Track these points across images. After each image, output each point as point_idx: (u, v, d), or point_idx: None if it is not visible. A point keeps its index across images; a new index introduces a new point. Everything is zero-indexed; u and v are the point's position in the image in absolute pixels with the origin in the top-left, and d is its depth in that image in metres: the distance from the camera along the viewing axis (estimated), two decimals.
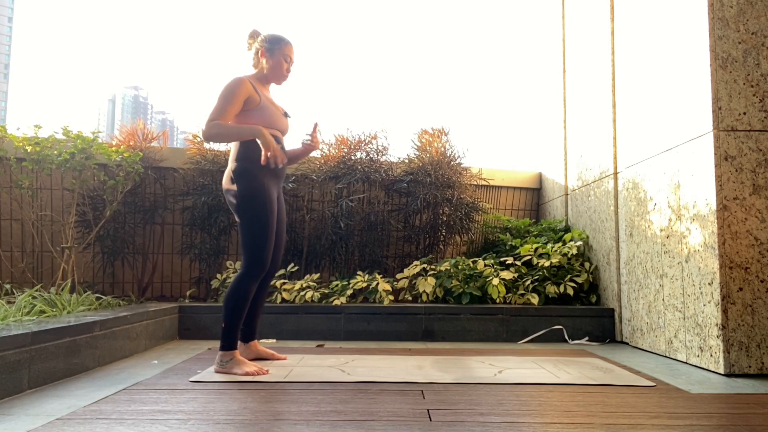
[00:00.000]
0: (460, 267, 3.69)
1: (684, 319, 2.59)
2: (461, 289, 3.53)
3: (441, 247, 4.27)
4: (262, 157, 2.25)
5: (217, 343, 3.08)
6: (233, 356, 2.24)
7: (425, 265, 3.75)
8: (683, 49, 2.63)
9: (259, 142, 2.31)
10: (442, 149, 4.26)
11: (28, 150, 3.22)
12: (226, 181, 2.35)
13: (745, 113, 2.39)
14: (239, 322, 2.27)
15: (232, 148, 2.39)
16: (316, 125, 2.55)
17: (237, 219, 2.31)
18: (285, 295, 3.50)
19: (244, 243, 2.28)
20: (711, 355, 2.37)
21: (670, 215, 2.73)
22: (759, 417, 1.67)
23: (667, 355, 2.75)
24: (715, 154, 2.37)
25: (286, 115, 2.54)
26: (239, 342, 2.50)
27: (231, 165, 2.34)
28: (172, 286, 4.10)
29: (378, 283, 3.55)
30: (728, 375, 2.29)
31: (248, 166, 2.30)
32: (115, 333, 2.53)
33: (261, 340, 3.24)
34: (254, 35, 2.50)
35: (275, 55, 2.44)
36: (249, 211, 2.27)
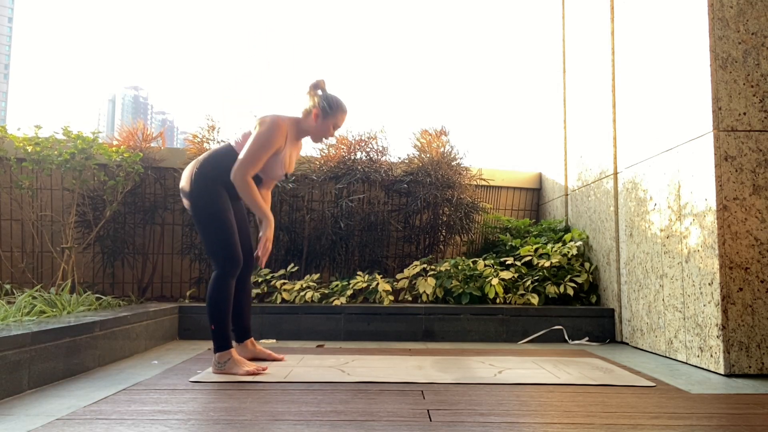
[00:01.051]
0: (460, 267, 3.69)
1: (684, 319, 2.59)
2: (461, 290, 3.53)
3: (441, 247, 4.27)
4: (259, 248, 2.29)
5: None
6: (230, 356, 2.23)
7: (425, 266, 3.75)
8: (683, 50, 2.63)
9: (261, 225, 2.32)
10: (442, 149, 4.26)
11: (29, 150, 3.22)
12: (185, 181, 2.31)
13: (745, 113, 2.39)
14: (226, 322, 2.26)
15: (206, 153, 2.37)
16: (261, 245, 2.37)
17: (195, 222, 2.29)
18: (285, 295, 3.50)
19: (209, 243, 2.26)
20: (711, 356, 2.37)
21: (670, 215, 2.73)
22: (759, 417, 1.67)
23: (667, 355, 2.75)
24: (715, 154, 2.37)
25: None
26: (234, 342, 2.50)
27: (196, 166, 2.31)
28: (172, 287, 4.10)
29: (378, 284, 3.55)
30: (728, 375, 2.29)
31: (211, 175, 2.28)
32: (115, 333, 2.53)
33: (261, 340, 3.24)
34: (317, 88, 2.43)
35: (327, 120, 2.40)
36: (207, 209, 2.25)
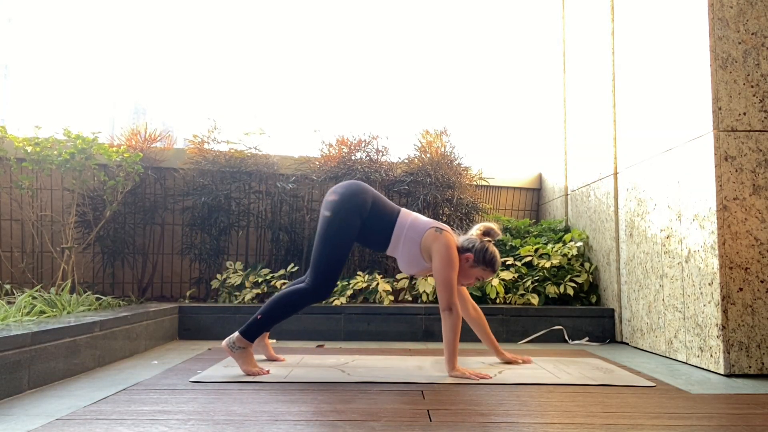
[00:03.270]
0: None
1: (684, 319, 2.59)
2: None
3: None
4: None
5: (217, 344, 3.07)
6: (247, 348, 2.22)
7: None
8: (683, 50, 2.63)
9: (447, 367, 2.24)
10: (443, 150, 4.26)
11: (28, 150, 3.22)
12: (335, 195, 2.31)
13: (745, 113, 2.39)
14: (271, 324, 2.26)
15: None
16: None
17: (322, 233, 2.27)
18: None
19: (321, 256, 2.24)
20: (711, 356, 2.37)
21: (670, 215, 2.73)
22: (759, 417, 1.67)
23: (667, 355, 2.75)
24: (715, 154, 2.37)
25: None
26: None
27: (352, 188, 2.31)
28: (172, 287, 4.10)
29: (378, 284, 3.55)
30: (728, 375, 2.29)
31: (360, 207, 2.29)
32: (115, 333, 2.53)
33: None
34: (488, 234, 2.39)
35: (475, 269, 2.34)
36: (342, 227, 2.25)
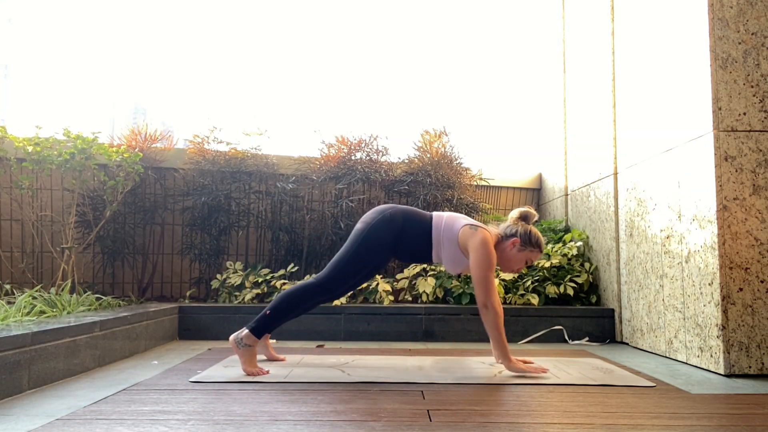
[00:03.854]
0: None
1: (684, 319, 2.59)
2: (461, 290, 3.53)
3: None
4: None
5: (217, 344, 3.08)
6: (252, 346, 2.23)
7: (425, 266, 3.75)
8: (683, 50, 2.63)
9: (504, 363, 2.25)
10: (443, 150, 4.26)
11: (28, 150, 3.23)
12: (375, 213, 2.35)
13: (745, 113, 2.39)
14: (280, 321, 2.28)
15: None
16: None
17: (352, 242, 2.30)
18: None
19: (342, 261, 2.28)
20: (711, 356, 2.37)
21: (670, 216, 2.73)
22: (759, 417, 1.67)
23: (667, 355, 2.75)
24: (715, 154, 2.37)
25: None
26: None
27: (395, 211, 2.34)
28: (172, 287, 4.10)
29: (378, 284, 3.55)
30: (728, 375, 2.29)
31: (399, 227, 2.32)
32: (115, 333, 2.53)
33: None
34: (525, 218, 2.41)
35: (523, 252, 2.36)
36: (370, 245, 2.29)
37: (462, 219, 2.37)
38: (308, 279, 2.59)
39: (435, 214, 2.42)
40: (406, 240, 2.34)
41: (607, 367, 2.46)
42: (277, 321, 2.28)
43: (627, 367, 2.50)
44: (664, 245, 2.78)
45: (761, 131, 2.38)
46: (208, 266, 3.97)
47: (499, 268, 2.42)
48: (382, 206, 2.41)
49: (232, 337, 2.25)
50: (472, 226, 2.31)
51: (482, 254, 2.23)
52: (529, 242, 2.36)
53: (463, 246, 2.31)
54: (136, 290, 3.93)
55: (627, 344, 3.24)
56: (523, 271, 3.49)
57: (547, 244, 3.94)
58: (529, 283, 3.58)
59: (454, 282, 3.58)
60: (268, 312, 2.25)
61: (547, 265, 3.61)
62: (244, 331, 2.23)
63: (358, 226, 2.36)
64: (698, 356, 2.47)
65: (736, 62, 2.40)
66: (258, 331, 2.23)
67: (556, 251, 3.74)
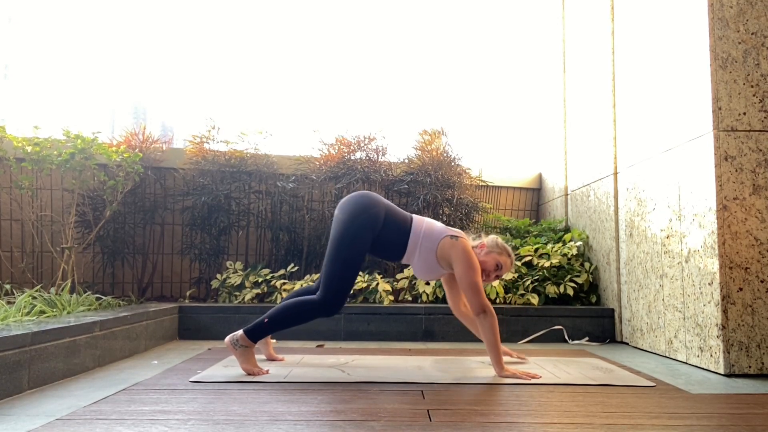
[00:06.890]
0: None
1: (684, 319, 2.59)
2: None
3: None
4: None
5: (217, 344, 3.08)
6: (249, 347, 2.23)
7: None
8: (683, 50, 2.63)
9: (496, 369, 2.24)
10: (442, 149, 4.26)
11: (28, 150, 3.22)
12: (351, 202, 2.31)
13: (745, 113, 2.39)
14: (275, 329, 2.25)
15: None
16: None
17: (335, 242, 2.26)
18: (285, 295, 3.50)
19: (332, 269, 2.23)
20: (711, 356, 2.37)
21: (670, 215, 2.73)
22: (759, 417, 1.67)
23: (667, 355, 2.75)
24: (715, 154, 2.37)
25: None
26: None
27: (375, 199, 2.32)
28: (172, 287, 4.10)
29: (378, 284, 3.55)
30: (728, 375, 2.29)
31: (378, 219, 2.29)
32: (115, 333, 2.53)
33: None
34: (494, 241, 2.44)
35: (490, 256, 2.38)
36: (355, 239, 2.24)
37: (443, 229, 2.36)
38: (308, 287, 2.56)
39: (416, 218, 2.40)
40: (381, 242, 2.32)
41: (607, 366, 2.46)
42: (274, 330, 2.26)
43: (627, 366, 2.50)
44: (664, 245, 2.78)
45: (761, 131, 2.38)
46: (208, 266, 3.97)
47: None
48: (363, 199, 2.32)
49: (227, 338, 2.24)
50: (453, 236, 2.31)
51: (468, 261, 2.25)
52: (496, 246, 2.41)
53: (441, 256, 2.31)
54: (136, 290, 3.93)
55: (627, 344, 3.24)
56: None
57: (546, 243, 3.94)
58: (529, 282, 3.58)
59: None
60: (266, 320, 2.23)
61: (547, 264, 3.61)
62: (240, 332, 2.23)
63: (342, 217, 2.28)
64: (698, 356, 2.47)
65: (736, 62, 2.40)
66: (254, 335, 2.22)
67: (556, 251, 3.74)
